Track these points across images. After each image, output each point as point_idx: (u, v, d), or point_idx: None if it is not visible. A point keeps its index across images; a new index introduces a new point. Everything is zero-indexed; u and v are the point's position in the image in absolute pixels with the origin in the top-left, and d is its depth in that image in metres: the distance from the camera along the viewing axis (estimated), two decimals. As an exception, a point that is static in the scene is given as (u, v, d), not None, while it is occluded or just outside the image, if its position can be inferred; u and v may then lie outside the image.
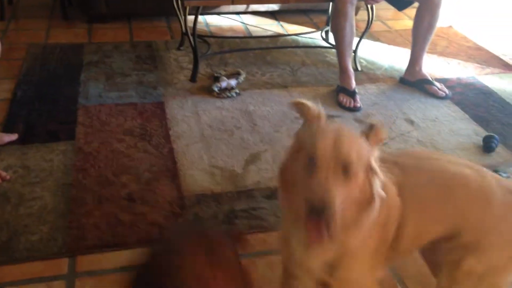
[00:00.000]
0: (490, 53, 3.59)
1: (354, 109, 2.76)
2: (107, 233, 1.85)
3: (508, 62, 3.47)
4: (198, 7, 2.81)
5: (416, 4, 2.91)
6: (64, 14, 3.79)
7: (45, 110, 2.60)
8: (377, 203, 1.10)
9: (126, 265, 1.73)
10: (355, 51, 3.13)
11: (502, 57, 3.53)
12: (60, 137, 2.38)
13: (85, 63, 3.11)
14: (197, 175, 2.20)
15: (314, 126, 1.12)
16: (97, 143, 2.35)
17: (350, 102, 2.78)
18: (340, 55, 2.86)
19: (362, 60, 3.30)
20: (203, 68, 3.10)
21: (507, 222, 1.27)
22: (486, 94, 3.04)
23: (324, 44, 3.51)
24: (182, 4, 2.83)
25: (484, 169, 1.36)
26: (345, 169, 1.04)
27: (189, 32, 2.94)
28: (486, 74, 3.29)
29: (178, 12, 3.18)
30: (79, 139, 2.37)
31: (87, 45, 3.37)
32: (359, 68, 3.22)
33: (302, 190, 1.05)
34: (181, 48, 3.38)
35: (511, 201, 1.28)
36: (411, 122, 2.70)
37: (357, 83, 2.90)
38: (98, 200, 2.01)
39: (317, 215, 1.00)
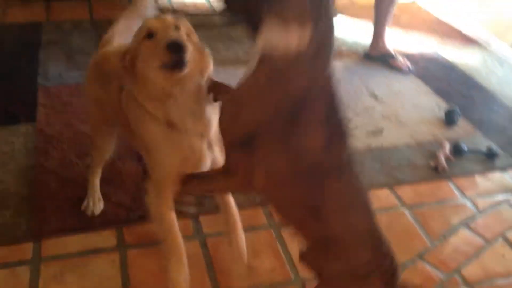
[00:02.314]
0: (452, 27, 3.65)
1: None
2: (71, 216, 1.82)
3: (470, 36, 3.53)
4: (160, -17, 2.75)
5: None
6: (20, -9, 3.64)
7: (4, 91, 2.51)
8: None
9: (92, 248, 1.72)
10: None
11: (463, 31, 3.59)
12: (20, 119, 2.31)
13: (44, 42, 3.01)
14: (163, 154, 2.17)
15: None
16: (59, 125, 2.29)
17: None
18: None
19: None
20: (167, 46, 3.04)
21: None
22: (448, 68, 3.09)
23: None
24: (143, -21, 2.75)
25: None
26: (176, 28, 1.32)
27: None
28: (449, 48, 3.34)
29: (139, -12, 3.11)
30: (40, 121, 2.31)
31: (46, 23, 3.26)
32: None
33: (155, 61, 1.28)
34: (144, 25, 3.30)
35: None
36: (375, 97, 2.73)
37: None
38: (61, 182, 1.97)
39: (176, 50, 1.24)
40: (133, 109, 1.40)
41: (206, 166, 1.41)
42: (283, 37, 1.03)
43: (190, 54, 1.28)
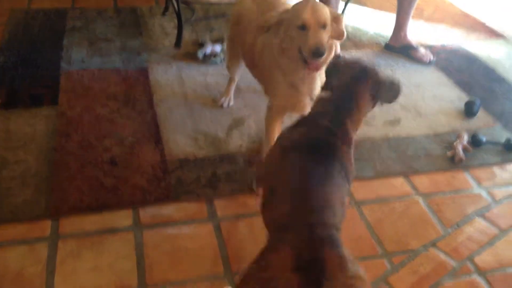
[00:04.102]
0: (476, 20, 3.59)
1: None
2: (89, 196, 1.87)
3: (494, 28, 3.47)
4: (182, -29, 2.77)
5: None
6: (46, -21, 3.71)
7: (28, 75, 2.58)
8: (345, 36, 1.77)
9: (109, 227, 1.76)
10: (340, 17, 3.12)
11: (487, 24, 3.53)
12: (43, 102, 2.38)
13: (68, 28, 3.07)
14: (180, 139, 2.21)
15: (294, 6, 1.72)
16: (80, 108, 2.34)
17: None
18: None
19: (348, 26, 3.29)
20: (188, 34, 3.08)
21: None
22: (471, 60, 3.05)
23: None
24: (166, -33, 2.79)
25: None
26: (324, 26, 1.65)
27: (173, -4, 2.91)
28: (471, 40, 3.29)
29: (162, -23, 3.15)
30: (62, 104, 2.36)
31: (70, 10, 3.32)
32: (345, 34, 3.21)
33: (298, 47, 1.68)
34: (166, 13, 3.34)
35: None
36: (395, 88, 2.70)
37: (342, 49, 2.89)
38: (80, 164, 2.02)
39: (317, 57, 1.63)
40: (268, 58, 1.87)
41: (306, 111, 1.75)
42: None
43: (326, 54, 1.66)
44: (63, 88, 2.48)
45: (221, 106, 2.45)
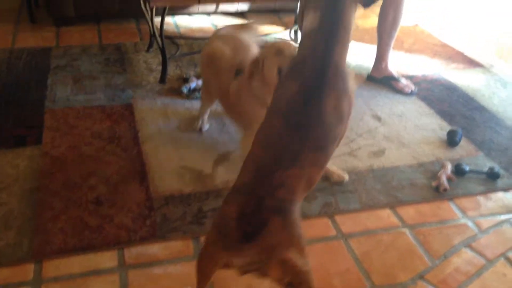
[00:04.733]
0: (454, 49, 3.67)
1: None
2: (73, 237, 1.84)
3: (472, 58, 3.55)
4: (165, 8, 2.81)
5: (381, 2, 2.96)
6: (31, 18, 3.74)
7: (12, 115, 2.57)
8: None
9: (93, 268, 1.73)
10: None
11: (466, 53, 3.62)
12: (26, 142, 2.36)
13: (52, 66, 3.09)
14: (166, 176, 2.20)
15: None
16: (65, 147, 2.33)
17: None
18: None
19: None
20: (172, 70, 3.11)
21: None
22: (451, 89, 3.11)
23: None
24: (149, 5, 2.82)
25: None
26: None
27: (157, 33, 2.94)
28: (451, 70, 3.36)
29: (146, 13, 3.18)
30: (46, 143, 2.35)
31: (55, 48, 3.34)
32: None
33: (278, 69, 1.91)
34: (150, 49, 3.38)
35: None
36: (378, 118, 2.74)
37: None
38: (65, 204, 2.00)
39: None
40: (245, 95, 2.04)
41: None
42: (308, 19, 1.55)
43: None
44: (47, 127, 2.47)
45: (200, 130, 2.54)
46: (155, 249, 1.83)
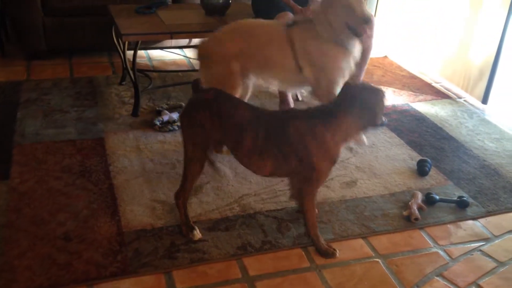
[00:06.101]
0: (423, 81, 3.78)
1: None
2: (40, 275, 1.79)
3: (440, 89, 3.65)
4: (137, 42, 2.83)
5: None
6: (1, 52, 3.72)
7: (-21, 150, 2.52)
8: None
9: (61, 306, 1.68)
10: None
11: (434, 84, 3.72)
12: (-7, 177, 2.31)
13: (22, 100, 3.05)
14: (138, 210, 2.17)
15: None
16: (33, 182, 2.29)
17: None
18: None
19: (303, 91, 3.39)
20: (145, 103, 3.10)
21: None
22: (420, 120, 3.18)
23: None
24: (122, 39, 2.84)
25: None
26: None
27: (129, 66, 2.94)
28: (420, 101, 3.44)
29: (118, 47, 3.19)
30: (13, 178, 2.31)
31: (26, 82, 3.31)
32: (300, 98, 3.31)
33: (345, 24, 2.39)
34: (123, 83, 3.38)
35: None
36: (350, 149, 2.78)
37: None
38: (32, 240, 1.95)
39: (367, 23, 2.35)
40: (316, 45, 2.47)
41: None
42: None
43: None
44: (15, 162, 2.43)
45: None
46: (126, 285, 1.78)
